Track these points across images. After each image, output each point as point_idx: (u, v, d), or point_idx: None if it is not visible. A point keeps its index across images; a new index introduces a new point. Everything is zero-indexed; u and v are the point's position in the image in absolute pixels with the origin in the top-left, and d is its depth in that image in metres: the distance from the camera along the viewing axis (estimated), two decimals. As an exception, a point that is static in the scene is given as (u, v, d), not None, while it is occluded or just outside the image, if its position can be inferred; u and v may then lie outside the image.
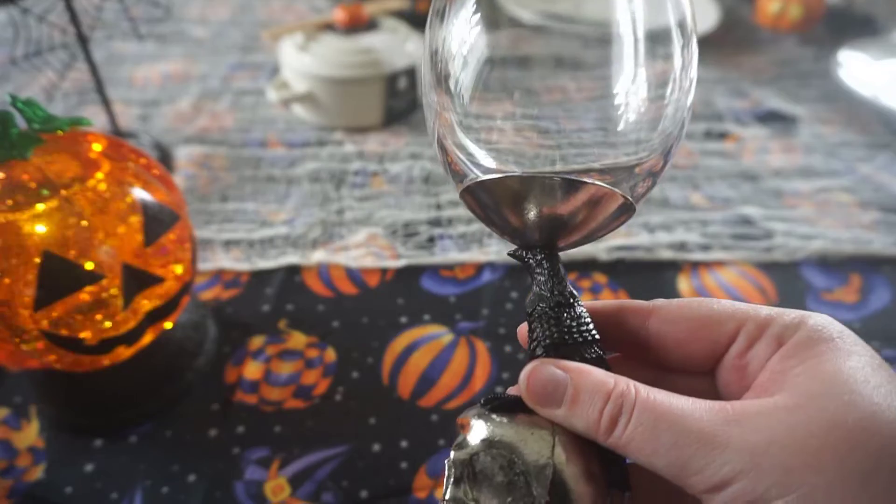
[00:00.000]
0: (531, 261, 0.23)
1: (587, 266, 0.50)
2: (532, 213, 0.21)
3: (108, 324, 0.34)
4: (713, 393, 0.22)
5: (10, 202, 0.31)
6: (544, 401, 0.19)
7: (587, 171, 0.22)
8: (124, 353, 0.36)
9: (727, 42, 0.82)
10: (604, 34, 0.21)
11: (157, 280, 0.35)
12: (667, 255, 0.51)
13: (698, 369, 0.22)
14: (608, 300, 0.24)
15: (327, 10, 0.79)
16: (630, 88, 0.21)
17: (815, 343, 0.18)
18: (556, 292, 0.22)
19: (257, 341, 0.44)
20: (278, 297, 0.47)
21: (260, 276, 0.48)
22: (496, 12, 0.22)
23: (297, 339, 0.44)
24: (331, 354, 0.43)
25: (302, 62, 0.62)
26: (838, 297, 0.48)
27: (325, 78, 0.61)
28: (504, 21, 0.22)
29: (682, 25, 0.21)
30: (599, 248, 0.50)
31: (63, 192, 0.32)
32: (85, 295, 0.32)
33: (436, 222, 0.54)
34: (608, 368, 0.20)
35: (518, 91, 0.22)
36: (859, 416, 0.16)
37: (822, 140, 0.64)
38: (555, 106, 0.23)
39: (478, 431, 0.20)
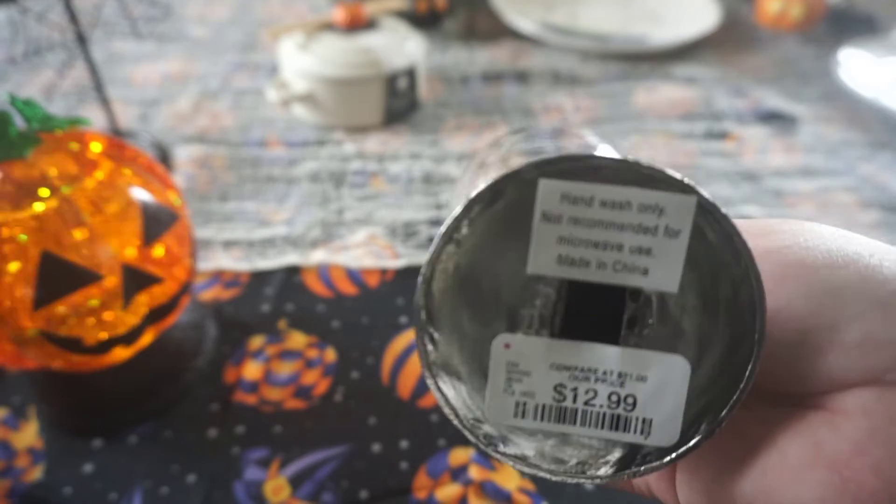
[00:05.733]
0: None
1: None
2: None
3: (107, 324, 0.34)
4: None
5: (9, 202, 0.31)
6: None
7: None
8: (124, 353, 0.36)
9: (727, 42, 0.82)
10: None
11: (157, 280, 0.35)
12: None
13: None
14: None
15: (327, 10, 0.79)
16: None
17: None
18: None
19: (257, 341, 0.44)
20: (278, 297, 0.47)
21: (260, 276, 0.48)
22: None
23: (297, 339, 0.44)
24: (331, 354, 0.43)
25: (302, 62, 0.61)
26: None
27: (325, 78, 0.61)
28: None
29: None
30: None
31: (62, 192, 0.32)
32: (84, 295, 0.32)
33: (436, 222, 0.54)
34: None
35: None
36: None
37: (823, 139, 0.64)
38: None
39: None
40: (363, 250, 0.50)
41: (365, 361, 0.42)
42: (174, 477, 0.36)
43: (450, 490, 0.35)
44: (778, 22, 0.82)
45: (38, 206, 0.31)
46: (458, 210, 0.16)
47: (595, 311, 0.17)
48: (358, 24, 0.64)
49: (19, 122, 0.33)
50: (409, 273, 0.49)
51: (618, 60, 0.77)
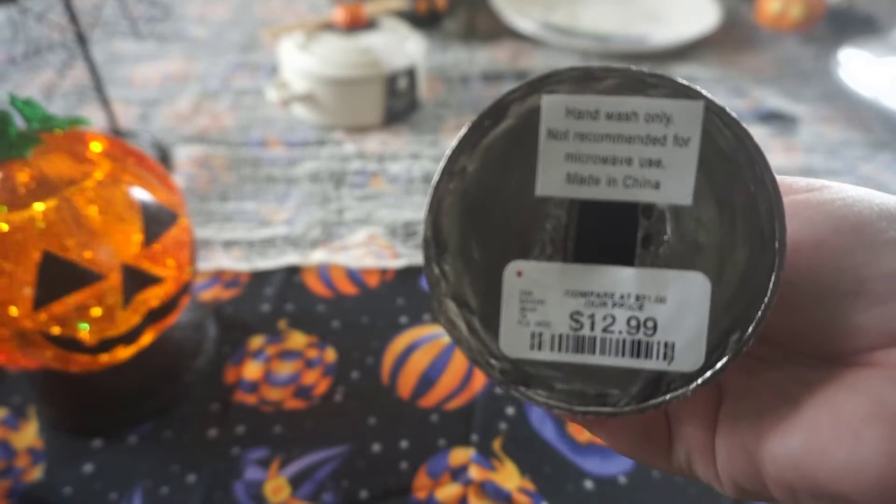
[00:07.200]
0: None
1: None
2: None
3: (107, 324, 0.34)
4: None
5: (8, 202, 0.31)
6: None
7: None
8: (124, 353, 0.36)
9: (727, 42, 0.82)
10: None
11: (157, 280, 0.35)
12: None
13: None
14: None
15: (327, 10, 0.79)
16: None
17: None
18: None
19: (257, 341, 0.44)
20: (278, 297, 0.47)
21: (260, 276, 0.48)
22: None
23: (297, 339, 0.44)
24: (331, 354, 0.43)
25: (302, 62, 0.61)
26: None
27: (325, 78, 0.61)
28: None
29: None
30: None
31: (62, 192, 0.32)
32: (84, 295, 0.32)
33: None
34: None
35: None
36: None
37: (823, 139, 0.64)
38: None
39: None
40: (363, 250, 0.50)
41: (365, 361, 0.42)
42: (174, 477, 0.36)
43: (450, 490, 0.35)
44: (778, 22, 0.82)
45: (38, 206, 0.31)
46: (461, 135, 0.16)
47: (608, 232, 0.16)
48: (358, 24, 0.64)
49: (19, 122, 0.33)
50: (409, 273, 0.49)
51: (618, 60, 0.77)
